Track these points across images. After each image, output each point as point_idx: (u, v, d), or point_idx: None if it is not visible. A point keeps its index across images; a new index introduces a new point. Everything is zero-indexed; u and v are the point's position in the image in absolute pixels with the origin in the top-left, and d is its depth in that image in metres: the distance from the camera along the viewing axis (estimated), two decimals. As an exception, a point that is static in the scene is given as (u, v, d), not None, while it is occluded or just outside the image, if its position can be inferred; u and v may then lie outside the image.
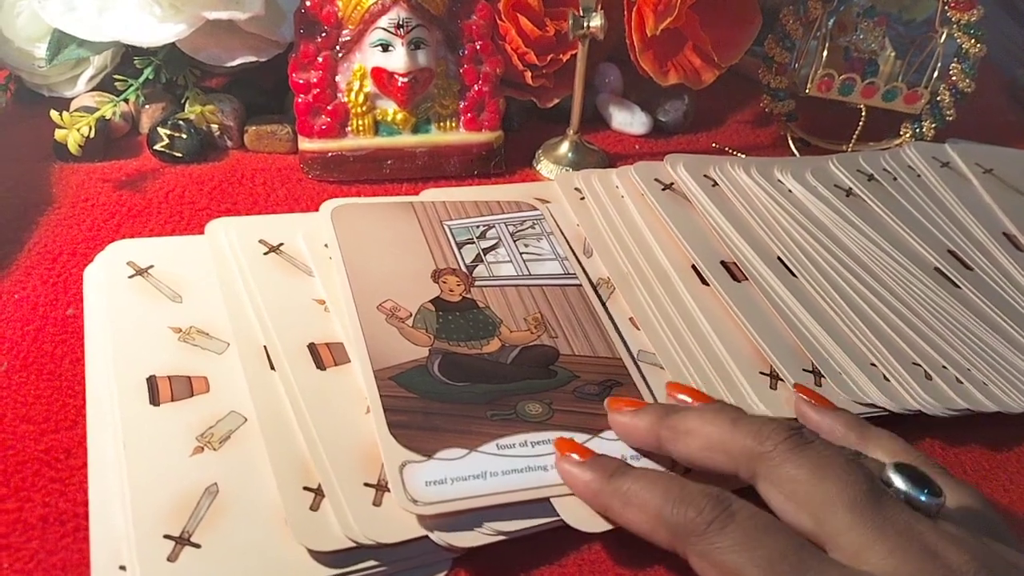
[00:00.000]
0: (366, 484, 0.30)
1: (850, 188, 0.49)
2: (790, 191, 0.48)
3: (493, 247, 0.42)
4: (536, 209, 0.45)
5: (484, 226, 0.43)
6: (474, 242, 0.42)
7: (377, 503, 0.29)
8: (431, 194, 0.47)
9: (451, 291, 0.39)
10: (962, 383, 0.38)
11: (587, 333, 0.38)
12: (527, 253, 0.42)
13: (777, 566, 0.25)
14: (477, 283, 0.39)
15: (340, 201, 0.43)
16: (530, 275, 0.41)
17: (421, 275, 0.39)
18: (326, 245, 0.40)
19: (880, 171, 0.51)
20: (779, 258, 0.43)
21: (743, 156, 0.57)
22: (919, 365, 0.39)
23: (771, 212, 0.46)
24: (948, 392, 0.38)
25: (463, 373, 0.35)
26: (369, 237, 0.40)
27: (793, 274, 0.42)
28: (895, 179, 0.50)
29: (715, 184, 0.47)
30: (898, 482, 0.27)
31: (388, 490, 0.30)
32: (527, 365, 0.36)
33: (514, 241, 0.42)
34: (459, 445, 0.31)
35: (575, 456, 0.31)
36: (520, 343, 0.37)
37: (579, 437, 0.33)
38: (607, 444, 0.33)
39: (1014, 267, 0.46)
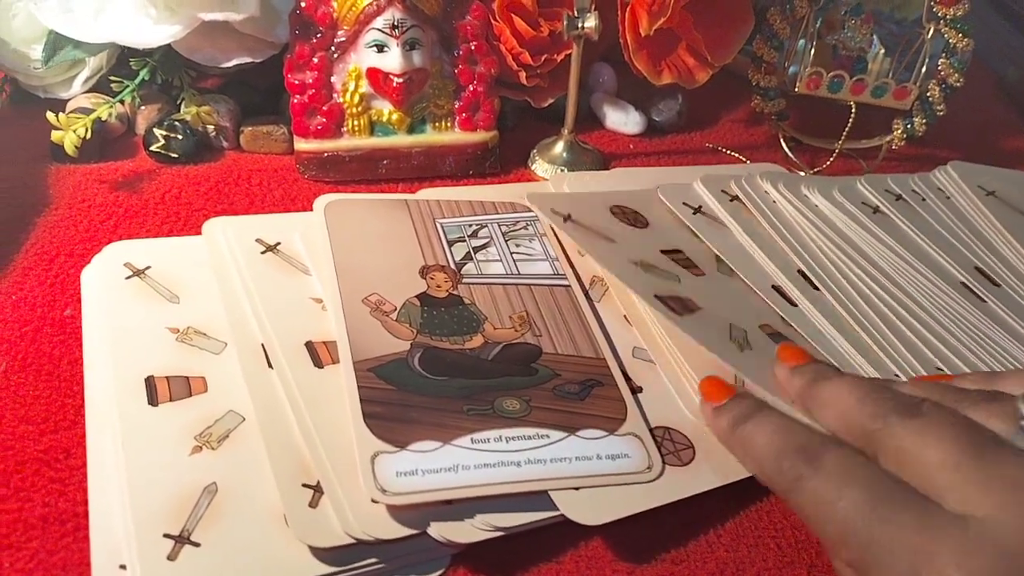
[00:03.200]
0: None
1: (877, 206, 0.49)
2: (817, 206, 0.48)
3: (484, 246, 0.42)
4: (531, 210, 0.45)
5: (477, 225, 0.43)
6: (465, 240, 0.42)
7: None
8: (428, 193, 0.47)
9: (438, 287, 0.39)
10: None
11: (572, 333, 0.38)
12: (518, 253, 0.42)
13: (854, 518, 0.26)
14: (465, 280, 0.40)
15: (334, 196, 0.43)
16: (519, 274, 0.41)
17: (409, 270, 0.39)
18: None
19: (908, 192, 0.51)
20: (799, 271, 0.44)
21: (737, 155, 0.58)
22: (941, 370, 0.39)
23: (803, 228, 0.46)
24: None
25: (443, 367, 0.35)
26: (360, 232, 0.41)
27: (815, 287, 0.43)
28: (924, 200, 0.51)
29: (733, 199, 0.48)
30: None
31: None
32: (508, 362, 0.36)
33: (506, 241, 0.43)
34: (433, 438, 0.31)
35: (709, 395, 0.33)
36: (504, 340, 0.37)
37: (554, 434, 0.33)
38: (584, 443, 0.33)
39: None
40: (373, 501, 0.29)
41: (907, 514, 0.25)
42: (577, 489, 0.31)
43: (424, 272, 0.40)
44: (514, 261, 0.42)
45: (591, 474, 0.32)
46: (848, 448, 0.28)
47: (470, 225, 0.43)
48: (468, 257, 0.41)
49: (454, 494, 0.30)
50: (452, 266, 0.40)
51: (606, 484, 0.32)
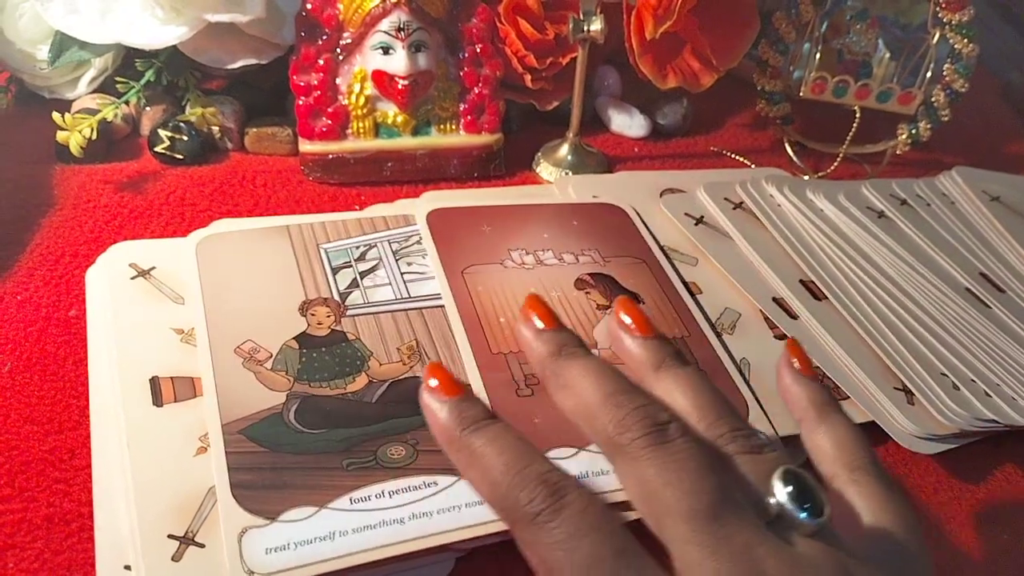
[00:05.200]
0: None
1: (882, 211, 0.49)
2: (822, 210, 0.48)
3: (372, 269, 0.39)
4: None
5: (365, 246, 0.40)
6: (352, 265, 0.39)
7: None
8: (429, 196, 0.47)
9: (319, 324, 0.36)
10: (991, 396, 0.39)
11: (462, 359, 0.36)
12: (409, 272, 0.39)
13: (593, 570, 0.23)
14: (350, 312, 0.37)
15: (207, 231, 0.40)
16: (410, 297, 0.38)
17: (288, 309, 0.36)
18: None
19: (913, 197, 0.51)
20: (801, 281, 0.44)
21: (742, 159, 0.58)
22: (947, 376, 0.39)
23: (807, 232, 0.46)
24: (976, 404, 0.38)
25: (321, 418, 0.32)
26: (235, 270, 0.38)
27: (817, 298, 0.43)
28: (928, 204, 0.51)
29: (736, 206, 0.48)
30: (779, 492, 0.25)
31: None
32: (395, 402, 0.33)
33: (396, 260, 0.40)
34: (307, 503, 0.29)
35: (436, 385, 0.27)
36: (390, 377, 0.35)
37: (443, 480, 0.31)
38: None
39: None
40: None
41: None
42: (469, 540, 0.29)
43: (304, 308, 0.37)
44: (404, 283, 0.39)
45: (482, 521, 0.30)
46: (586, 489, 0.25)
47: (357, 247, 0.40)
48: (354, 284, 0.38)
49: (330, 566, 0.28)
50: (336, 297, 0.37)
51: (501, 530, 0.29)
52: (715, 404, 0.28)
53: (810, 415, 0.30)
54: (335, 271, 0.39)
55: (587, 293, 0.40)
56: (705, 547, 0.23)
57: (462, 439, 0.26)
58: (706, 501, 0.24)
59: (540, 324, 0.29)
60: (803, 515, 0.24)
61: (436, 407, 0.27)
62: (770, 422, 0.36)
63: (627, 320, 0.30)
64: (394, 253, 0.40)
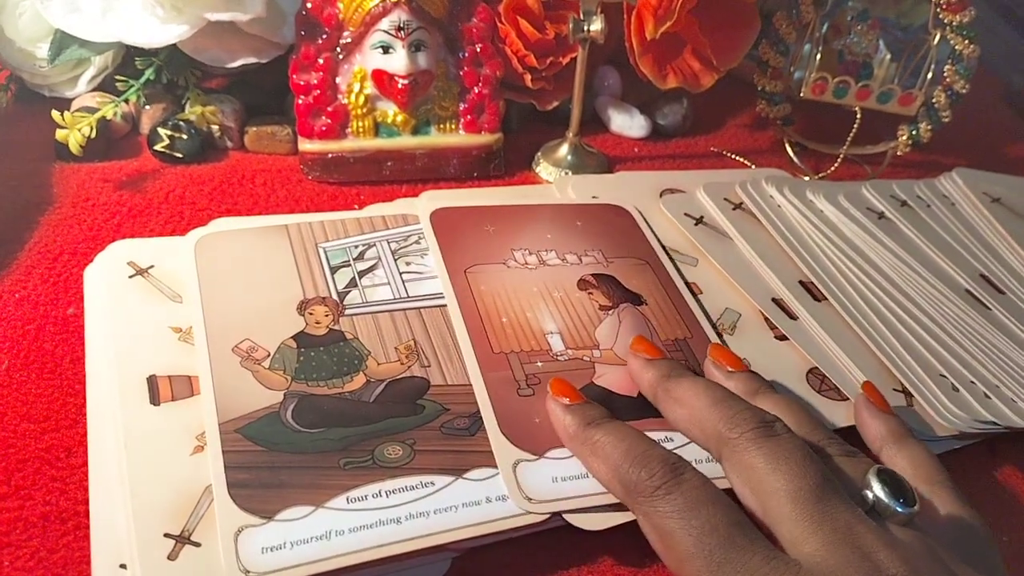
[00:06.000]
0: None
1: (882, 212, 0.49)
2: (822, 211, 0.48)
3: (371, 268, 0.39)
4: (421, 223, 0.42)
5: (364, 245, 0.40)
6: (350, 264, 0.39)
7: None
8: (428, 196, 0.47)
9: (317, 323, 0.36)
10: (990, 398, 0.39)
11: (463, 358, 0.36)
12: (408, 272, 0.39)
13: (707, 537, 0.26)
14: (348, 311, 0.37)
15: (206, 230, 0.39)
16: (408, 297, 0.38)
17: (286, 308, 0.36)
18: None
19: (914, 198, 0.51)
20: (801, 282, 0.43)
21: (742, 160, 0.57)
22: (946, 377, 0.39)
23: (807, 233, 0.46)
24: (975, 405, 0.38)
25: (319, 417, 0.32)
26: (234, 269, 0.38)
27: (816, 298, 0.43)
28: (929, 206, 0.51)
29: (736, 207, 0.48)
30: (875, 486, 0.28)
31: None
32: (393, 401, 0.33)
33: (395, 260, 0.39)
34: (305, 502, 0.29)
35: (565, 400, 0.32)
36: (388, 376, 0.34)
37: (440, 480, 0.31)
38: (472, 486, 0.31)
39: None
40: None
41: (755, 557, 0.25)
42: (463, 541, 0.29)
43: (302, 308, 0.36)
44: (403, 282, 0.39)
45: (479, 521, 0.30)
46: (700, 472, 0.28)
47: (356, 246, 0.40)
48: (352, 284, 0.38)
49: (326, 566, 0.27)
50: (334, 296, 0.37)
51: (497, 530, 0.30)
52: (809, 419, 0.32)
53: (888, 443, 0.33)
54: (334, 270, 0.39)
55: (589, 294, 0.40)
56: (811, 523, 0.26)
57: (585, 433, 0.30)
58: (811, 483, 0.27)
59: (646, 357, 0.35)
60: (897, 507, 0.27)
61: (560, 413, 0.31)
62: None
63: (721, 361, 0.35)
64: (393, 253, 0.40)
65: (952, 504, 0.30)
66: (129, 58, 0.50)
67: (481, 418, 0.33)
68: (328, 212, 0.43)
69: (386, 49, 0.47)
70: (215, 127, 0.50)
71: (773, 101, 0.57)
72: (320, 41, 0.47)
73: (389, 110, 0.49)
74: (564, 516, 0.30)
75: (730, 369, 0.35)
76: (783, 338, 0.41)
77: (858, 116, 0.56)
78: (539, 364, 0.36)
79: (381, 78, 0.48)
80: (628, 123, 0.58)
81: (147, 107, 0.50)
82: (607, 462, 0.29)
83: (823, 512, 0.26)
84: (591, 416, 0.31)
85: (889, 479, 0.28)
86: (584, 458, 0.31)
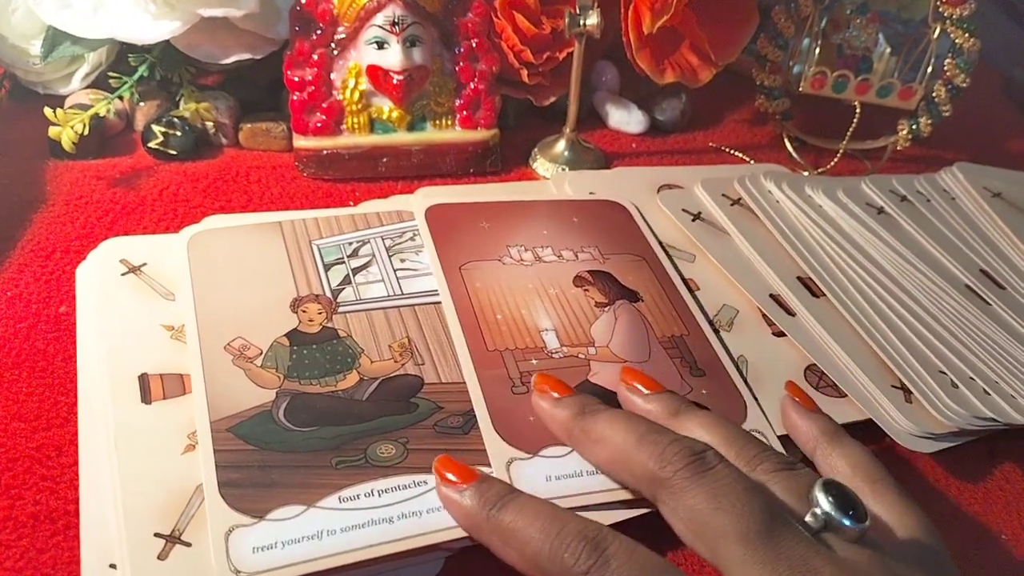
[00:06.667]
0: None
1: (882, 207, 0.49)
2: (820, 207, 0.48)
3: (364, 266, 0.39)
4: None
5: (357, 242, 0.40)
6: (344, 262, 0.39)
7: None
8: (424, 192, 0.46)
9: (310, 321, 0.36)
10: (990, 395, 0.38)
11: (457, 356, 0.35)
12: (402, 269, 0.39)
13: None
14: (341, 309, 0.36)
15: (199, 227, 0.39)
16: (402, 294, 0.38)
17: (279, 306, 0.36)
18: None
19: (914, 193, 0.51)
20: (799, 278, 0.43)
21: (740, 155, 0.57)
22: (945, 374, 0.39)
23: (806, 228, 0.46)
24: (975, 402, 0.38)
25: (311, 416, 0.32)
26: (227, 267, 0.37)
27: (815, 295, 0.42)
28: (929, 201, 0.51)
29: (734, 203, 0.47)
30: (822, 502, 0.26)
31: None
32: (385, 400, 0.33)
33: (389, 256, 0.39)
34: (296, 502, 0.29)
35: (454, 478, 0.29)
36: (381, 375, 0.34)
37: (432, 479, 0.30)
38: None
39: None
40: None
41: None
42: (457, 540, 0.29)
43: (296, 305, 0.36)
44: (397, 279, 0.38)
45: None
46: (623, 536, 0.26)
47: (350, 243, 0.39)
48: (346, 281, 0.38)
49: (317, 566, 0.27)
50: (328, 294, 0.37)
51: None
52: (738, 433, 0.30)
53: (822, 443, 0.32)
54: (327, 267, 0.38)
55: (585, 290, 0.40)
56: (763, 566, 0.24)
57: (491, 519, 0.27)
58: (758, 521, 0.25)
59: (555, 395, 0.32)
60: (848, 521, 0.26)
61: (456, 497, 0.28)
62: (768, 421, 0.35)
63: (636, 384, 0.33)
64: (387, 249, 0.40)
65: (895, 504, 0.29)
66: (123, 55, 0.50)
67: (475, 416, 0.33)
68: (322, 209, 0.43)
69: (381, 44, 0.47)
70: (209, 124, 0.50)
71: (772, 96, 0.57)
72: (315, 37, 0.47)
73: (384, 106, 0.48)
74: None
75: (646, 391, 0.32)
76: (781, 334, 0.40)
77: (857, 111, 0.55)
78: (534, 362, 0.36)
79: (376, 74, 0.47)
80: (626, 118, 0.58)
81: (141, 104, 0.50)
82: (523, 551, 0.27)
83: (775, 551, 0.25)
84: (493, 495, 0.28)
85: (836, 492, 0.26)
86: (497, 549, 0.28)
